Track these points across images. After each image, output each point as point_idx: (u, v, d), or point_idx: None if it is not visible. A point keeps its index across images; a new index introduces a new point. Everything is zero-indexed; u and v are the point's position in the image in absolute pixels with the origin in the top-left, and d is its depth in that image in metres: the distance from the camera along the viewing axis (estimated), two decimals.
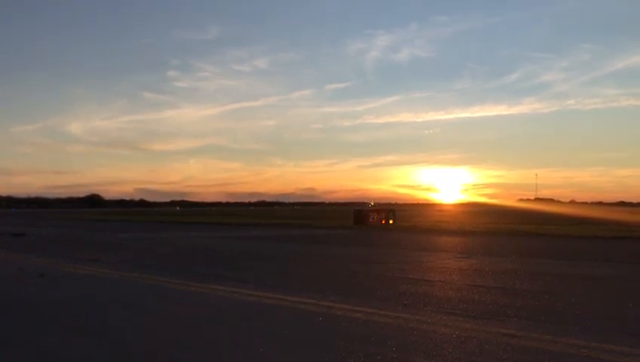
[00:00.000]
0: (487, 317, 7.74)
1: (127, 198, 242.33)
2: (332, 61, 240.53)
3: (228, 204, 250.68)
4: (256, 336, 6.71)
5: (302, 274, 13.07)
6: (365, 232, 32.35)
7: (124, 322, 7.72)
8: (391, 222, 39.19)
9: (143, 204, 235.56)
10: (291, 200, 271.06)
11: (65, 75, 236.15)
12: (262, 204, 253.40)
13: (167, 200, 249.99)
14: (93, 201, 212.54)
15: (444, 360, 5.62)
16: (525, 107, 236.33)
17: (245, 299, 9.34)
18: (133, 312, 8.47)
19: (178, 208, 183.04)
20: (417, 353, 5.89)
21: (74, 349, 6.28)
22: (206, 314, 8.25)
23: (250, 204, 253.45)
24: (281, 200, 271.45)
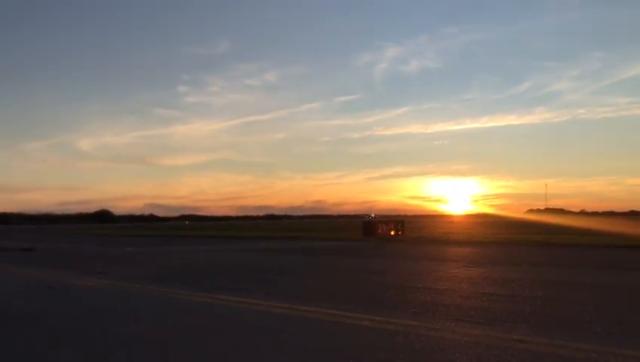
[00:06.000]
0: (495, 324, 7.69)
1: (137, 213, 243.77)
2: (341, 73, 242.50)
3: (237, 217, 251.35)
4: (264, 345, 6.71)
5: (309, 284, 13.06)
6: (374, 244, 32.26)
7: (130, 333, 7.72)
8: (400, 233, 39.06)
9: (152, 218, 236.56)
10: (301, 213, 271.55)
11: (74, 91, 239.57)
12: (271, 218, 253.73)
13: (177, 214, 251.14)
14: (103, 217, 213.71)
15: None
16: (535, 117, 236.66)
17: (254, 309, 9.34)
18: (140, 323, 8.48)
19: (188, 222, 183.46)
20: (425, 359, 5.86)
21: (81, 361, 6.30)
22: (214, 324, 8.24)
23: (259, 218, 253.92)
24: (290, 213, 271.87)
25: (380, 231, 38.59)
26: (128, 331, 7.79)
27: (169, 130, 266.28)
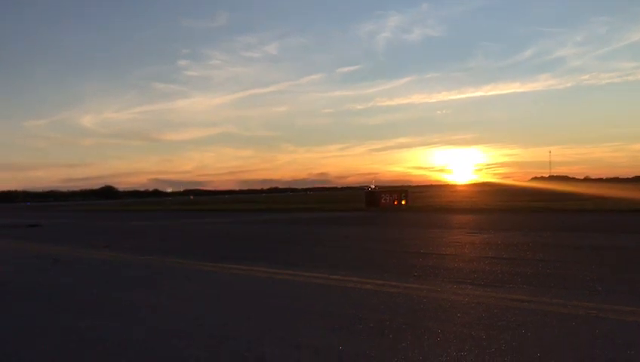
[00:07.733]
0: (497, 285, 7.76)
1: (141, 189, 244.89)
2: (342, 44, 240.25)
3: (241, 191, 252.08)
4: (270, 309, 6.80)
5: (314, 252, 13.14)
6: (377, 213, 32.36)
7: (137, 301, 7.82)
8: (403, 203, 39.09)
9: (156, 194, 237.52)
10: (304, 186, 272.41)
11: (75, 68, 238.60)
12: (275, 191, 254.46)
13: (181, 189, 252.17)
14: (108, 193, 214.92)
15: (454, 324, 5.66)
16: (539, 84, 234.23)
17: (258, 276, 9.44)
18: (145, 291, 8.58)
19: (192, 197, 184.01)
20: (427, 319, 5.93)
21: (90, 328, 6.39)
22: (218, 291, 8.33)
23: (263, 191, 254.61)
24: (293, 186, 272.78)
25: (383, 201, 38.59)
26: (127, 300, 7.89)
27: (170, 104, 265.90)
